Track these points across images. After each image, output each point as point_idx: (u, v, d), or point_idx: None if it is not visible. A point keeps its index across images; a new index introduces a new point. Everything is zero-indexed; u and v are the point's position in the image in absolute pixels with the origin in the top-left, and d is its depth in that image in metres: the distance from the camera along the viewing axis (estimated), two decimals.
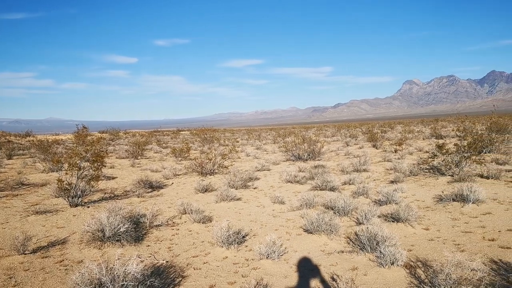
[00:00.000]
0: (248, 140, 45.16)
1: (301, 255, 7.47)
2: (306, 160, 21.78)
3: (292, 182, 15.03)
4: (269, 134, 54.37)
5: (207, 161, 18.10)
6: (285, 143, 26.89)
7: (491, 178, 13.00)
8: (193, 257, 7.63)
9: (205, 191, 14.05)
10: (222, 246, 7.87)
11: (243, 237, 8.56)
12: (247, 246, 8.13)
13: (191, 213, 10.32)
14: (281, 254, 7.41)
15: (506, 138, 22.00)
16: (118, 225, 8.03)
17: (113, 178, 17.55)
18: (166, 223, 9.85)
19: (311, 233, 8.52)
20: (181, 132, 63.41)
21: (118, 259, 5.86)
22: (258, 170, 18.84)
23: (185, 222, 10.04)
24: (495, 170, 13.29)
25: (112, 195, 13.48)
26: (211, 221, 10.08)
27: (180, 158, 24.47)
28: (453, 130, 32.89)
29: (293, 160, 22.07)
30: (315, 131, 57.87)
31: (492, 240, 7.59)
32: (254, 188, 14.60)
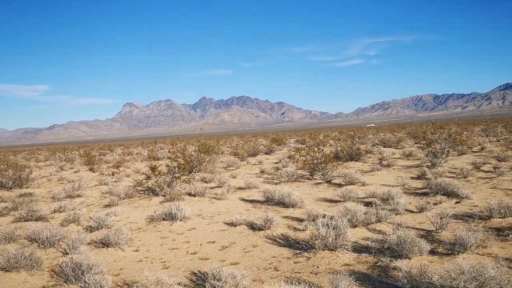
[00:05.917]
0: None
1: None
2: (11, 188, 19.21)
3: None
4: None
5: None
6: None
7: (198, 196, 14.32)
8: None
9: None
10: None
11: None
12: None
13: None
14: None
15: (212, 158, 24.77)
16: None
17: None
18: None
19: (9, 271, 7.43)
20: None
21: None
22: None
23: None
24: (201, 188, 14.71)
25: None
26: None
27: None
28: (168, 152, 35.08)
29: None
30: (26, 155, 52.28)
31: (194, 253, 8.27)
32: None
